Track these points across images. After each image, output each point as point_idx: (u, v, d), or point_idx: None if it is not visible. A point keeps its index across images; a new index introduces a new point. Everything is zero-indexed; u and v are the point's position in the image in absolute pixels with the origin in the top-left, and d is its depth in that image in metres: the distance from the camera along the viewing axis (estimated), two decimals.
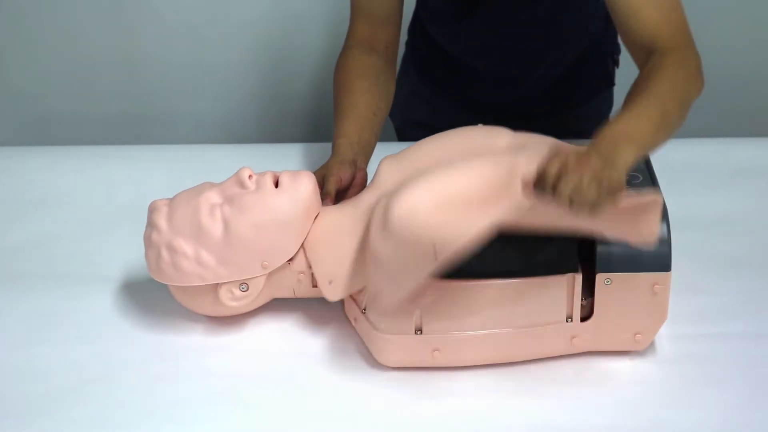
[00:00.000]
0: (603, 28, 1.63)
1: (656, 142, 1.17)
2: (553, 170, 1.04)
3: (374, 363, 1.21)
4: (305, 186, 1.22)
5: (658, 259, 1.14)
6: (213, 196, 1.22)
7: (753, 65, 2.31)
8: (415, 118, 1.78)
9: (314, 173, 1.29)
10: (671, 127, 1.20)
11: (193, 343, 1.26)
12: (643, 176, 1.23)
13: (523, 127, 1.27)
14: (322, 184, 1.31)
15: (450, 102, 1.72)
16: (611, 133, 1.12)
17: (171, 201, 1.24)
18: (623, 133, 1.12)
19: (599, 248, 1.14)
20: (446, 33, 1.63)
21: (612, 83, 1.76)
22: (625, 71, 1.81)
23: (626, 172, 1.08)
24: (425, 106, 1.76)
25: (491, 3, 1.51)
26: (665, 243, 1.14)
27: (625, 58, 1.77)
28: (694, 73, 1.27)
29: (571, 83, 1.66)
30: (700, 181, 1.57)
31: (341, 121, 1.44)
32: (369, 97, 1.46)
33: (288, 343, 1.26)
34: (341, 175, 1.33)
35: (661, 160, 1.33)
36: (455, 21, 1.57)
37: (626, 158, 1.10)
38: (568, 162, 1.05)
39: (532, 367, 1.20)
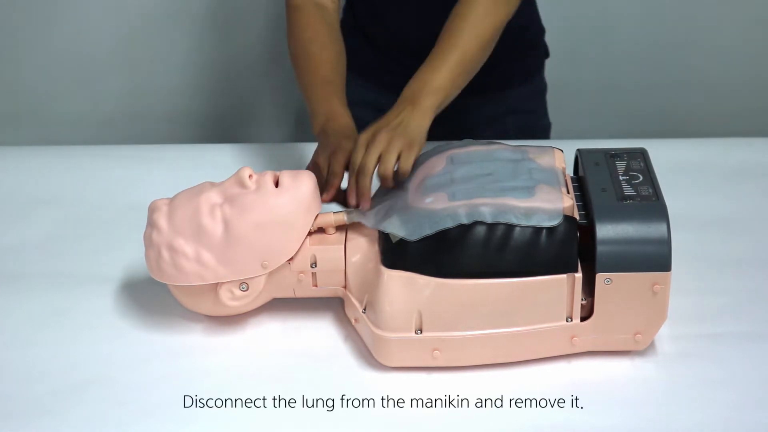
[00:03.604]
0: None
1: (457, 85, 1.33)
2: (357, 159, 1.23)
3: (374, 363, 1.21)
4: (306, 185, 1.22)
5: (658, 259, 1.14)
6: (213, 196, 1.22)
7: (753, 65, 2.31)
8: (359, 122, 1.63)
9: (318, 156, 1.31)
10: (474, 65, 1.36)
11: (194, 343, 1.26)
12: (644, 176, 1.23)
13: (464, 109, 1.36)
14: (327, 165, 1.29)
15: (383, 92, 1.63)
16: (409, 92, 1.29)
17: (171, 201, 1.24)
18: (421, 88, 1.29)
19: (599, 248, 1.14)
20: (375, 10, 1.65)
21: (546, 54, 1.80)
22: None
23: (426, 124, 1.26)
24: (368, 108, 1.62)
25: None
26: (665, 243, 1.14)
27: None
28: None
29: (507, 59, 1.61)
30: (700, 181, 1.57)
31: (327, 97, 1.41)
32: (338, 63, 1.47)
33: (288, 343, 1.26)
34: (347, 154, 1.30)
35: (661, 160, 1.33)
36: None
37: (424, 113, 1.27)
38: (363, 143, 1.24)
39: (533, 367, 1.20)
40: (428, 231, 1.15)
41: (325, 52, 1.47)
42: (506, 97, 1.75)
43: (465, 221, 1.15)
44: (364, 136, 1.25)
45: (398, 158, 1.23)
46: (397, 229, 1.17)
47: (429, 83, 1.29)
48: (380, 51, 1.71)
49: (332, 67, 1.46)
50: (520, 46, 1.69)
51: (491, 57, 1.41)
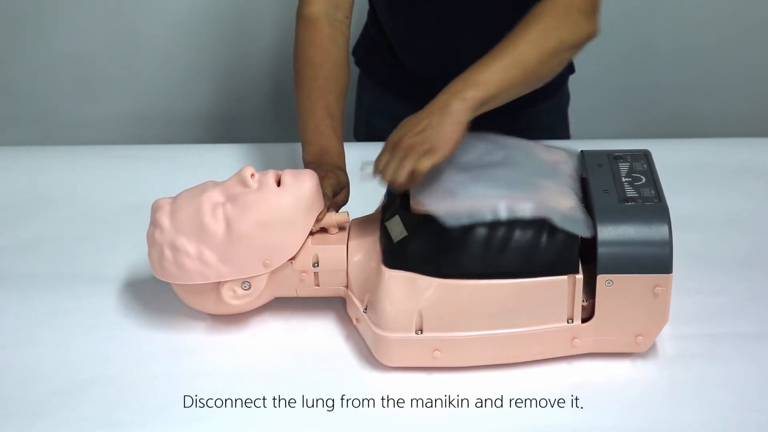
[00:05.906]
0: None
1: (507, 86, 1.22)
2: (382, 160, 1.18)
3: (375, 363, 1.21)
4: (308, 185, 1.22)
5: (659, 261, 1.14)
6: (215, 195, 1.22)
7: (753, 66, 2.31)
8: (380, 132, 1.60)
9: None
10: (531, 74, 1.24)
11: (195, 342, 1.26)
12: (646, 177, 1.23)
13: (484, 126, 1.27)
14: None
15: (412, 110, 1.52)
16: (446, 92, 1.20)
17: (174, 200, 1.24)
18: (463, 83, 1.19)
19: (600, 249, 1.14)
20: (401, 31, 1.61)
21: (571, 70, 1.72)
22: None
23: (457, 129, 1.17)
24: (388, 119, 1.53)
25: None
26: (667, 245, 1.14)
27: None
28: (571, 17, 1.26)
29: None
30: (700, 181, 1.57)
31: (326, 132, 1.41)
32: (342, 93, 1.45)
33: (289, 342, 1.26)
34: (340, 179, 1.33)
35: (662, 160, 1.33)
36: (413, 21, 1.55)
37: (455, 115, 1.17)
38: (390, 146, 1.18)
39: (533, 368, 1.20)
40: (466, 221, 1.14)
41: (331, 81, 1.45)
42: (521, 117, 1.66)
43: (504, 215, 1.14)
44: (390, 141, 1.20)
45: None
46: (436, 208, 1.15)
47: (472, 77, 1.20)
48: (404, 67, 1.67)
49: (335, 97, 1.44)
50: None
51: None
